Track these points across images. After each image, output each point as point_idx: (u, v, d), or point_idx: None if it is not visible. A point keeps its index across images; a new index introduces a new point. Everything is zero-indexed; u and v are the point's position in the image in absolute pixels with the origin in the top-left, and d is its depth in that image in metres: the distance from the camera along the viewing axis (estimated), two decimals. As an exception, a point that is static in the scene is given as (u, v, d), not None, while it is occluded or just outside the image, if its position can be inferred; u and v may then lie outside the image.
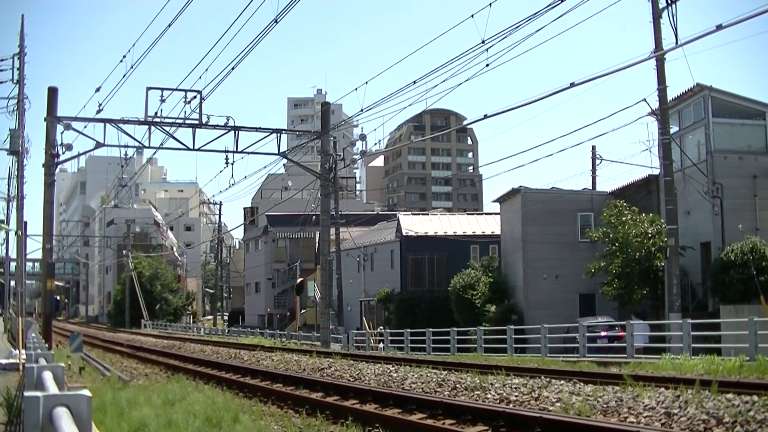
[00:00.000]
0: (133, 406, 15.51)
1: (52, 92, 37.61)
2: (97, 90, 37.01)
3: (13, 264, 60.44)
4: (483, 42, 25.27)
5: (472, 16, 24.88)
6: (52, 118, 37.01)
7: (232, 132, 39.40)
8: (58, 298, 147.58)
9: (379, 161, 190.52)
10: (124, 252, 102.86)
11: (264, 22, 28.56)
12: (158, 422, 13.05)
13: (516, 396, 15.58)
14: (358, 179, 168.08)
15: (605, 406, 13.42)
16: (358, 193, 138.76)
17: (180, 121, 38.31)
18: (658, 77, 33.70)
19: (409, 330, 45.59)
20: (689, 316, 31.43)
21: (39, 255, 61.27)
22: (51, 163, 37.06)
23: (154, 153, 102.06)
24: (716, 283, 36.47)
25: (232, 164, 41.00)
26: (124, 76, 35.14)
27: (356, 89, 36.99)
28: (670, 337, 31.12)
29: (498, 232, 57.80)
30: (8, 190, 54.35)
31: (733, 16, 18.31)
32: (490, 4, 24.43)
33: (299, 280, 71.49)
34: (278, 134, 41.17)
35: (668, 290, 34.00)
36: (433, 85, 45.71)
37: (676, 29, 31.67)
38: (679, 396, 13.36)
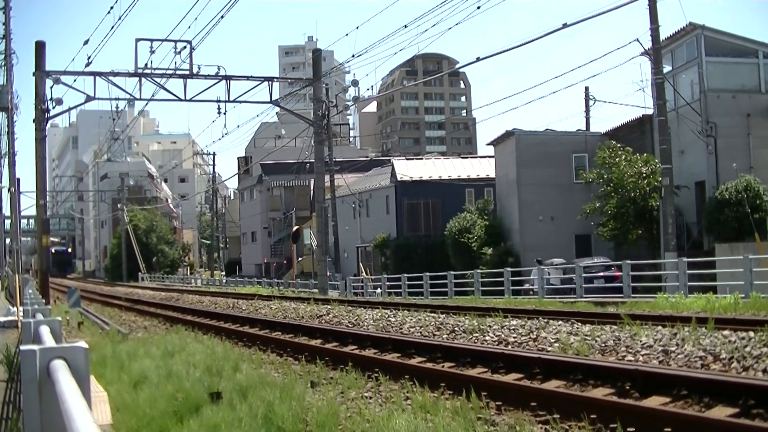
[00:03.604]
0: (133, 358, 15.55)
1: (40, 46, 37.38)
2: (86, 43, 36.98)
3: (7, 221, 60.46)
4: (473, -16, 25.08)
5: (462, -42, 24.66)
6: (40, 72, 36.84)
7: (224, 81, 39.29)
8: (69, 250, 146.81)
9: (372, 107, 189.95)
10: (118, 206, 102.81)
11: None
12: (159, 373, 13.08)
13: (514, 338, 15.62)
14: (351, 125, 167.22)
15: (603, 345, 13.48)
16: (351, 139, 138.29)
17: (171, 72, 38.16)
18: (651, 16, 33.51)
19: (406, 275, 45.66)
20: (684, 255, 31.58)
21: (33, 212, 61.30)
22: (41, 118, 36.95)
23: (146, 105, 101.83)
24: (711, 221, 36.60)
25: (225, 114, 41.07)
26: (112, 28, 35.00)
27: (347, 35, 36.85)
28: (666, 276, 31.27)
29: (492, 175, 57.78)
30: (-1, 146, 54.22)
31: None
32: (480, -54, 24.20)
33: (295, 228, 71.42)
34: (270, 82, 41.04)
35: (663, 230, 34.11)
36: (425, 29, 45.62)
37: (667, -34, 31.41)
38: (676, 334, 13.41)
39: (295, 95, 50.20)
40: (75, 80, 37.73)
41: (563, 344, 13.92)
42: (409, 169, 68.99)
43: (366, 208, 73.18)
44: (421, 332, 18.21)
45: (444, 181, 65.58)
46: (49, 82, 36.92)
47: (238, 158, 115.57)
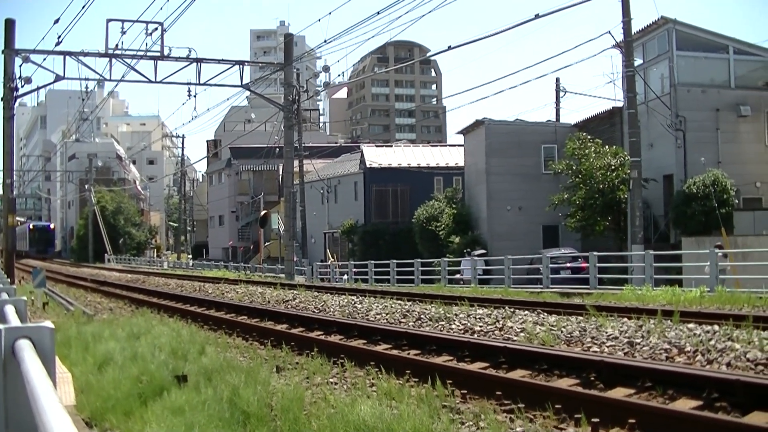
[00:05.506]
0: (98, 340, 15.46)
1: (10, 24, 37.05)
2: (56, 22, 36.63)
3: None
4: (447, -28, 25.04)
5: (437, -55, 24.61)
6: (9, 50, 36.51)
7: (195, 64, 39.07)
8: (52, 226, 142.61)
9: (342, 93, 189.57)
10: (86, 186, 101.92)
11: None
12: (124, 355, 13.01)
13: (480, 326, 15.63)
14: (321, 111, 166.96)
15: (569, 336, 13.52)
16: (321, 125, 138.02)
17: (141, 53, 37.91)
18: (623, 9, 33.64)
19: (373, 261, 45.68)
20: (651, 247, 31.76)
21: (-1, 190, 60.66)
22: (10, 96, 36.65)
23: (116, 86, 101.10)
24: (678, 215, 36.87)
25: (195, 97, 40.77)
26: (83, 8, 34.74)
27: (319, 20, 36.72)
28: (633, 268, 31.45)
29: (462, 163, 57.90)
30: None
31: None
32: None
33: (263, 212, 71.25)
34: (241, 66, 40.86)
35: (631, 222, 34.29)
36: (397, 17, 45.58)
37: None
38: (641, 326, 13.48)
39: (266, 79, 50.00)
40: (45, 59, 37.45)
41: (529, 334, 13.96)
42: (378, 156, 68.97)
43: (334, 194, 73.12)
44: (387, 319, 18.20)
45: (413, 168, 65.62)
46: (18, 61, 36.61)
47: (207, 141, 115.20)
